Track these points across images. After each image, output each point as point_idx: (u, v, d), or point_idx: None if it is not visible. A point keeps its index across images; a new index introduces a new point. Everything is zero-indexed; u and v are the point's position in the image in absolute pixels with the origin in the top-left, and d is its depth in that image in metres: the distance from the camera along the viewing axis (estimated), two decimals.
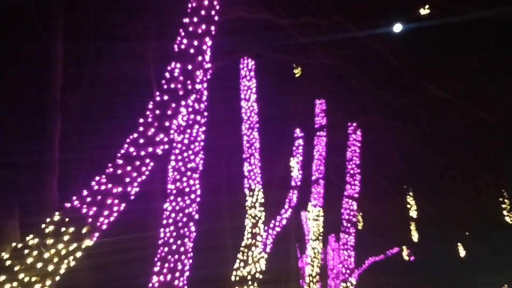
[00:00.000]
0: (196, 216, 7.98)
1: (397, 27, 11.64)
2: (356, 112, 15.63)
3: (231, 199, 12.30)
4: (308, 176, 14.47)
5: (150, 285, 7.37)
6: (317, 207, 14.75)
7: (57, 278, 5.52)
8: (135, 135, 6.09)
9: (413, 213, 19.99)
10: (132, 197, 6.05)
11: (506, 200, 18.01)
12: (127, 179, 5.95)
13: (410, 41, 12.48)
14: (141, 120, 6.23)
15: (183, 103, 6.53)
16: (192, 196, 7.92)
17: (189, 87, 6.56)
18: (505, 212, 18.12)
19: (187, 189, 7.87)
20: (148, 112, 6.27)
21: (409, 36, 12.21)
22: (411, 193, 19.84)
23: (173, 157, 7.89)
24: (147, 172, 6.15)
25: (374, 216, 18.34)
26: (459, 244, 23.85)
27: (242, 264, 10.20)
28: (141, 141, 6.06)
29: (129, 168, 5.97)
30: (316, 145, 14.66)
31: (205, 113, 8.36)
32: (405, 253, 22.99)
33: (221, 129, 11.37)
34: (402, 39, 12.20)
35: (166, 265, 7.47)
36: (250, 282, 10.03)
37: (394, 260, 22.71)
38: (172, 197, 7.82)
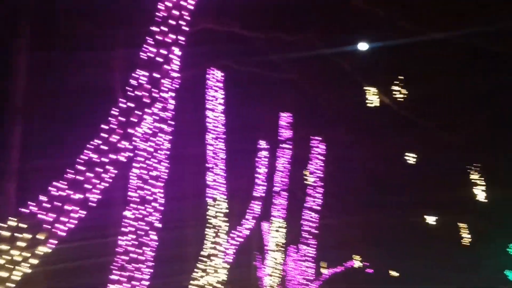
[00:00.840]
0: (158, 225, 7.95)
1: (363, 46, 12.03)
2: (321, 126, 15.94)
3: (194, 209, 12.28)
4: (271, 188, 14.61)
5: None
6: (279, 218, 14.89)
7: (12, 285, 5.40)
8: (98, 141, 6.05)
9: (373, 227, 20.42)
10: (93, 204, 6.00)
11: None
12: (88, 186, 5.90)
13: (376, 58, 12.88)
14: (105, 127, 6.19)
15: (148, 111, 6.54)
16: (154, 204, 7.89)
17: (155, 95, 6.58)
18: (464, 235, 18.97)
19: (149, 197, 7.84)
20: (112, 119, 6.24)
21: (375, 53, 12.60)
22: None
23: (136, 165, 7.85)
24: (108, 179, 6.11)
25: (335, 228, 18.65)
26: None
27: (201, 273, 10.19)
28: (104, 147, 6.03)
29: (90, 174, 5.92)
30: (280, 157, 14.85)
31: (171, 122, 8.37)
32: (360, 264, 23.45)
33: (187, 139, 11.37)
34: (368, 56, 12.58)
35: (125, 273, 7.40)
36: None
37: (353, 272, 23.12)
38: (133, 205, 7.77)
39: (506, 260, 29.72)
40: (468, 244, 20.26)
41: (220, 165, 10.87)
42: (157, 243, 7.85)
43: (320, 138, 15.52)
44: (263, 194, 13.55)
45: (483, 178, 16.54)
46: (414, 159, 15.72)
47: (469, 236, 19.89)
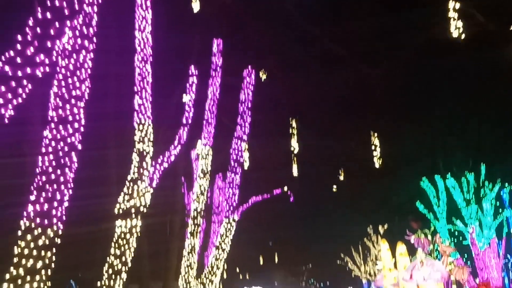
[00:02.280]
0: (79, 146, 7.72)
1: None
2: (253, 56, 15.82)
3: (118, 132, 11.98)
4: (200, 115, 14.52)
5: (25, 214, 7.09)
6: (206, 146, 14.97)
7: None
8: (11, 53, 5.61)
9: (296, 150, 21.02)
10: (6, 121, 5.65)
11: (375, 145, 20.03)
12: (1, 100, 5.53)
13: None
14: (19, 38, 5.73)
15: (68, 24, 6.11)
16: (76, 125, 7.60)
17: (76, 7, 6.13)
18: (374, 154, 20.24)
19: (70, 117, 7.52)
20: (27, 30, 5.77)
21: None
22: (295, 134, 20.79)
23: (55, 82, 7.42)
24: (24, 95, 5.75)
25: (261, 157, 19.10)
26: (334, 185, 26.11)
27: (126, 197, 10.15)
28: (18, 60, 5.61)
29: (3, 88, 5.53)
30: (210, 85, 14.66)
31: (94, 39, 7.90)
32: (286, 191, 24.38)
33: (112, 58, 10.84)
34: None
35: (44, 194, 7.21)
36: (133, 215, 10.06)
37: (276, 199, 24.10)
38: (53, 125, 7.44)
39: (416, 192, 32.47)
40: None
41: (147, 88, 10.55)
42: (77, 165, 7.65)
43: (250, 67, 15.42)
44: (191, 121, 13.45)
45: None
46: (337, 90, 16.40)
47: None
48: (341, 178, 23.49)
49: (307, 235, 55.35)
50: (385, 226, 38.56)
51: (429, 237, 15.16)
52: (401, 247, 15.69)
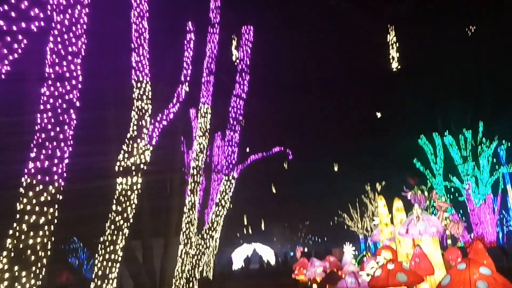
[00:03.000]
0: (77, 104, 7.69)
1: None
2: (251, 12, 15.52)
3: (116, 89, 11.91)
4: (198, 73, 14.40)
5: (26, 171, 7.15)
6: (205, 104, 14.93)
7: None
8: (5, 7, 5.50)
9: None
10: (3, 76, 5.61)
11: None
12: None
13: None
14: None
15: None
16: (73, 82, 7.54)
17: None
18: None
19: (67, 74, 7.46)
20: None
21: None
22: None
23: (51, 38, 7.32)
24: (20, 51, 5.68)
25: (260, 116, 19.11)
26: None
27: (126, 155, 10.21)
28: (13, 14, 5.50)
29: None
30: (208, 42, 14.46)
31: None
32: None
33: (107, 14, 10.63)
34: None
35: (44, 151, 7.24)
36: (134, 173, 10.15)
37: (276, 158, 24.28)
38: (50, 82, 7.39)
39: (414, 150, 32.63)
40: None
41: (144, 45, 10.41)
42: (76, 122, 7.64)
43: (249, 24, 15.17)
44: (189, 79, 13.34)
45: None
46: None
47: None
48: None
49: (306, 193, 56.10)
50: (383, 184, 39.07)
51: (426, 193, 15.38)
52: (398, 203, 15.94)
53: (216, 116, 16.21)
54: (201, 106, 15.08)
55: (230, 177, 15.18)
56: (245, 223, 61.47)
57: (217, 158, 21.16)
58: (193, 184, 14.60)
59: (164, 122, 11.71)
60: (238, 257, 53.96)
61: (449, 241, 16.36)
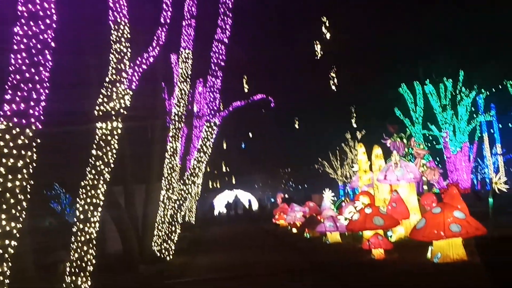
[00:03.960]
0: (52, 44, 7.41)
1: None
2: None
3: (93, 32, 11.52)
4: (178, 16, 13.97)
5: (1, 113, 6.97)
6: (186, 49, 14.60)
7: None
8: None
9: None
10: None
11: None
12: None
13: None
14: None
15: None
16: (47, 21, 7.23)
17: None
18: None
19: (40, 13, 7.14)
20: None
21: None
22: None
23: None
24: None
25: (244, 62, 18.83)
26: None
27: (105, 99, 10.00)
28: None
29: None
30: None
31: None
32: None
33: None
34: None
35: (19, 93, 7.04)
36: (114, 118, 9.99)
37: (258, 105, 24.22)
38: (23, 21, 7.08)
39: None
40: None
41: None
42: (52, 64, 7.40)
43: None
44: (169, 21, 12.94)
45: None
46: None
47: None
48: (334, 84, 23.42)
49: (288, 141, 56.52)
50: (363, 132, 39.50)
51: (405, 140, 15.67)
52: (377, 150, 16.22)
53: (198, 61, 15.91)
54: (182, 51, 14.76)
55: (212, 124, 15.11)
56: (225, 170, 62.07)
57: (199, 105, 21.00)
58: (174, 130, 14.54)
59: (144, 66, 11.45)
60: (220, 203, 54.88)
61: (425, 187, 16.83)
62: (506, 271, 4.98)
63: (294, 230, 20.94)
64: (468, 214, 10.17)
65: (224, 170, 61.28)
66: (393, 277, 8.38)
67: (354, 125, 40.42)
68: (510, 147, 36.61)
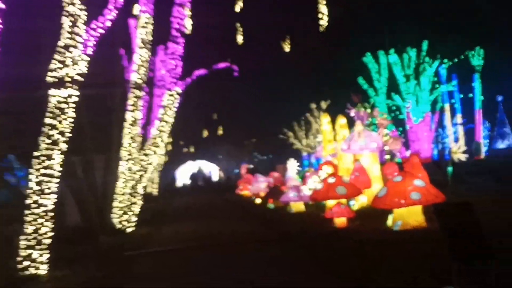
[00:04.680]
0: (2, 5, 6.88)
1: None
2: None
3: None
4: None
5: None
6: (145, 13, 14.01)
7: None
8: None
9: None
10: None
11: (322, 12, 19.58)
12: None
13: None
14: None
15: None
16: None
17: None
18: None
19: None
20: None
21: None
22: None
23: None
24: None
25: (205, 26, 18.29)
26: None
27: (59, 65, 9.48)
28: None
29: None
30: None
31: None
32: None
33: None
34: None
35: None
36: (68, 85, 9.50)
37: (221, 74, 23.71)
38: None
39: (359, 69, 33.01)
40: None
41: None
42: (3, 27, 6.87)
43: None
44: None
45: None
46: None
47: None
48: (287, 49, 23.07)
49: (252, 111, 56.33)
50: (328, 102, 39.64)
51: (368, 110, 15.74)
52: (341, 120, 16.28)
53: (158, 27, 15.32)
54: (140, 16, 14.15)
55: (173, 92, 14.70)
56: (190, 140, 61.50)
57: (160, 73, 20.36)
58: (134, 99, 14.07)
59: (101, 30, 10.88)
60: (184, 175, 54.59)
61: (387, 157, 17.08)
62: (461, 236, 5.05)
63: (258, 201, 21.00)
64: (428, 183, 10.34)
65: (183, 142, 60.67)
66: (354, 245, 8.46)
67: (319, 96, 40.52)
68: (470, 117, 37.59)
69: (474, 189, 16.41)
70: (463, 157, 15.18)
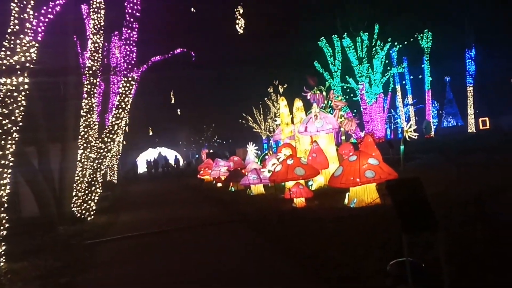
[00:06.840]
0: None
1: None
2: None
3: None
4: None
5: None
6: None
7: None
8: None
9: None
10: None
11: None
12: None
13: None
14: None
15: None
16: None
17: None
18: None
19: None
20: None
21: None
22: None
23: None
24: None
25: (162, 13, 18.06)
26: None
27: (8, 52, 9.20)
28: None
29: None
30: None
31: None
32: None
33: None
34: None
35: None
36: (19, 72, 9.25)
37: (179, 61, 23.56)
38: None
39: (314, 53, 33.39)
40: None
41: None
42: None
43: None
44: None
45: None
46: None
47: None
48: (240, 31, 22.94)
49: (212, 96, 56.03)
50: (285, 86, 40.05)
51: (324, 93, 16.06)
52: (298, 103, 16.53)
53: (112, 13, 15.02)
54: (93, 1, 13.83)
55: (130, 79, 14.51)
56: (150, 127, 60.73)
57: (115, 60, 20.00)
58: (89, 86, 13.80)
59: (50, 16, 10.61)
60: (143, 161, 53.88)
61: (343, 137, 17.53)
62: (411, 210, 5.35)
63: (219, 185, 21.12)
64: (381, 161, 10.76)
65: (147, 127, 59.85)
66: (312, 224, 8.74)
67: (276, 79, 40.80)
68: (420, 97, 38.90)
69: (424, 165, 17.19)
70: (414, 135, 15.80)
